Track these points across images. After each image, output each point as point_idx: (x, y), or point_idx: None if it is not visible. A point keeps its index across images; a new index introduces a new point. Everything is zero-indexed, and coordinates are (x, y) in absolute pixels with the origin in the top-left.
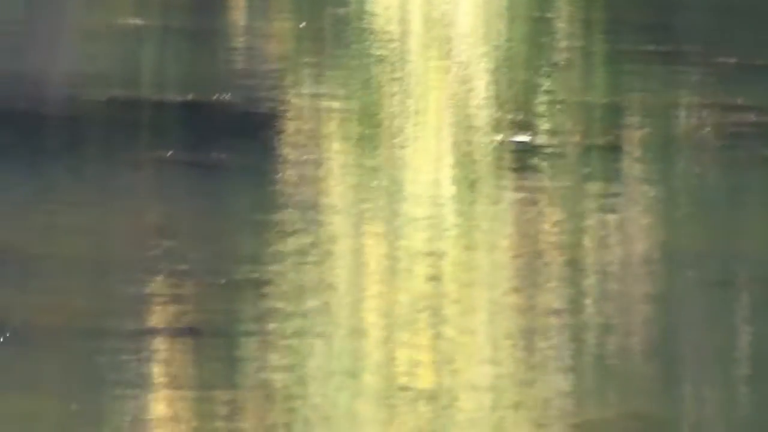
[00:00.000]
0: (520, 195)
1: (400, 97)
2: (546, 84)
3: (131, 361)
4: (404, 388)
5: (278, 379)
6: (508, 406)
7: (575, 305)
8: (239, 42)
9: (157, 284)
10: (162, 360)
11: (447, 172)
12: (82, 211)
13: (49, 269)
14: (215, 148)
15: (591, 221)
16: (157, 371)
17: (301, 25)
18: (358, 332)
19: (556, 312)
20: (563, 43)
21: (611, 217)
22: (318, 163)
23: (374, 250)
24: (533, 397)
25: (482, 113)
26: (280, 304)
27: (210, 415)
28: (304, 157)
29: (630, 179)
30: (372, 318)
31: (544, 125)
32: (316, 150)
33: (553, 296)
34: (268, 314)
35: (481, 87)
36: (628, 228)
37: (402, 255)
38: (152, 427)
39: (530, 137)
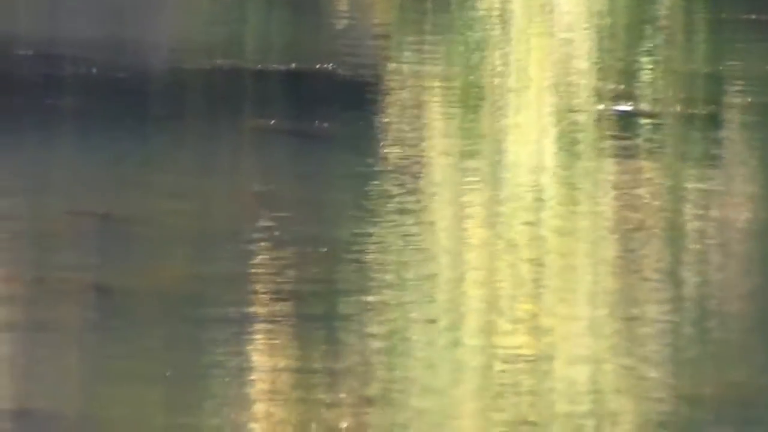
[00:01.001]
0: (622, 163)
1: (502, 65)
2: (648, 53)
3: (232, 328)
4: (506, 360)
5: (379, 347)
6: (608, 372)
7: (676, 272)
8: (343, 10)
9: (259, 252)
10: (262, 327)
11: (549, 141)
12: (185, 179)
13: (151, 236)
14: (318, 117)
15: (692, 190)
16: (258, 338)
17: None
18: (458, 301)
19: (657, 279)
20: (665, 12)
21: (712, 186)
22: (420, 132)
23: (476, 219)
24: (633, 365)
25: (584, 82)
26: (381, 273)
27: (309, 383)
28: (406, 125)
29: (731, 148)
30: (473, 288)
31: (646, 94)
32: (418, 118)
33: (654, 263)
34: (370, 283)
35: (583, 55)
36: (729, 196)
37: (503, 223)
38: (252, 393)
39: (632, 106)
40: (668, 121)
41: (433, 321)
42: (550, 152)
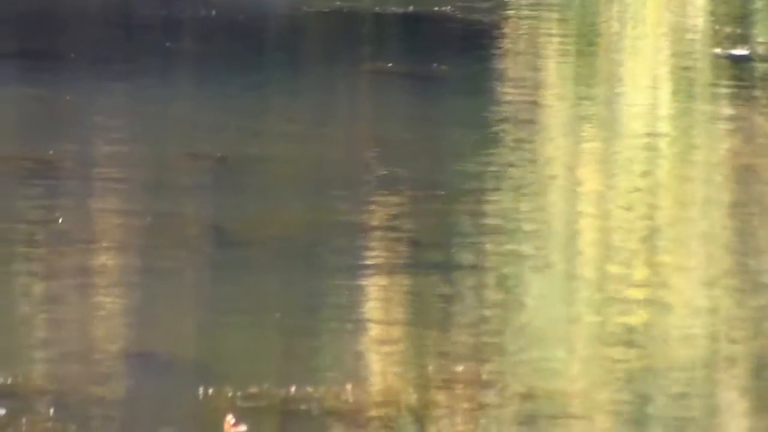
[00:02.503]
0: (736, 107)
1: (617, 9)
2: None
3: (347, 274)
4: (621, 307)
5: (491, 290)
6: (723, 320)
7: None
8: None
9: (374, 195)
10: (379, 269)
11: (664, 85)
12: (301, 123)
13: (267, 180)
14: (434, 60)
15: None
16: (374, 282)
17: None
18: (572, 250)
19: None
20: None
21: None
22: (535, 75)
23: (590, 165)
24: (745, 312)
25: (700, 26)
26: (496, 218)
27: (424, 323)
28: (522, 69)
29: None
30: (587, 235)
31: (762, 39)
32: (533, 62)
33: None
34: (485, 227)
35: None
36: None
37: (618, 168)
38: (366, 341)
39: (747, 50)
40: None
41: (548, 268)
42: (665, 97)
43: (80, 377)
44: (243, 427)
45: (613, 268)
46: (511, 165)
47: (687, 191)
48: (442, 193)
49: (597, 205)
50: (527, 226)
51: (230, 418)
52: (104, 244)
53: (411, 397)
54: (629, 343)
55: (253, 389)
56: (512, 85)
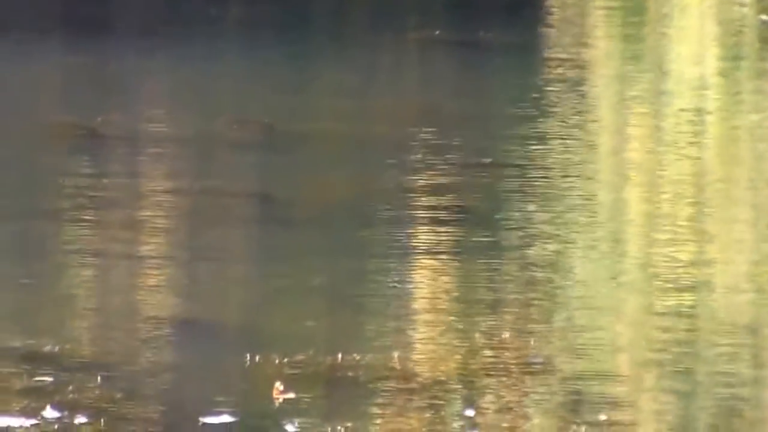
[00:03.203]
0: None
1: None
2: None
3: (393, 243)
4: (667, 283)
5: (539, 259)
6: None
7: None
8: None
9: (422, 164)
10: (426, 239)
11: (711, 50)
12: (347, 90)
13: (313, 149)
14: (482, 28)
15: None
16: (421, 251)
17: None
18: (620, 220)
19: None
20: None
21: None
22: (583, 42)
23: (638, 130)
24: None
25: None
26: (543, 188)
27: (471, 292)
28: (569, 36)
29: None
30: (635, 206)
31: None
32: (581, 29)
33: None
34: (532, 196)
35: None
36: None
37: (666, 134)
38: (415, 308)
39: None
40: None
41: (595, 242)
42: (712, 62)
43: (127, 345)
44: (291, 394)
45: (662, 241)
46: (558, 134)
47: (734, 164)
48: (489, 161)
49: (645, 175)
50: (574, 195)
51: (279, 385)
52: (150, 213)
53: (457, 366)
54: (678, 319)
55: (300, 356)
56: (559, 51)
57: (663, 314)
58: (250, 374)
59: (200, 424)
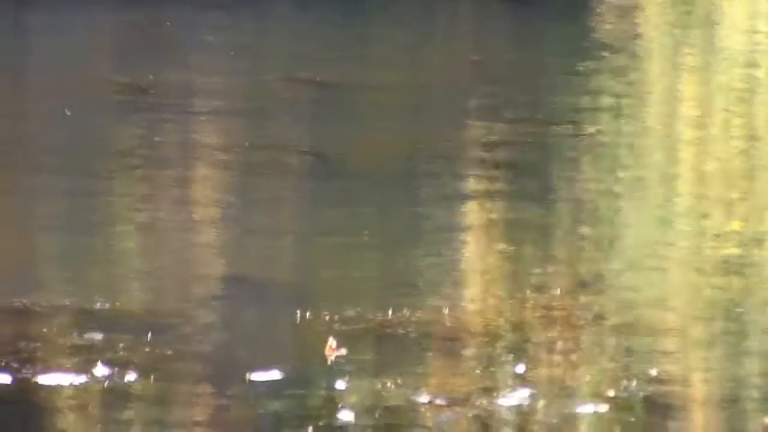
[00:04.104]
0: None
1: None
2: None
3: (444, 201)
4: (716, 240)
5: (589, 215)
6: None
7: None
8: None
9: (474, 121)
10: (477, 195)
11: (764, 13)
12: (401, 47)
13: (366, 105)
14: None
15: None
16: (472, 207)
17: None
18: (672, 167)
19: None
20: None
21: None
22: (636, 2)
23: (689, 92)
24: None
25: None
26: (594, 144)
27: (521, 248)
28: None
29: None
30: (685, 163)
31: None
32: None
33: None
34: (584, 149)
35: None
36: None
37: (717, 94)
38: (465, 264)
39: None
40: None
41: (646, 196)
42: (764, 14)
43: (177, 303)
44: (343, 351)
45: (712, 196)
46: (610, 91)
47: None
48: (541, 117)
49: (696, 132)
50: (626, 150)
51: (332, 342)
52: (202, 171)
53: (508, 322)
54: (727, 273)
55: (350, 313)
56: (612, 9)
57: (715, 267)
58: (300, 331)
59: (249, 380)
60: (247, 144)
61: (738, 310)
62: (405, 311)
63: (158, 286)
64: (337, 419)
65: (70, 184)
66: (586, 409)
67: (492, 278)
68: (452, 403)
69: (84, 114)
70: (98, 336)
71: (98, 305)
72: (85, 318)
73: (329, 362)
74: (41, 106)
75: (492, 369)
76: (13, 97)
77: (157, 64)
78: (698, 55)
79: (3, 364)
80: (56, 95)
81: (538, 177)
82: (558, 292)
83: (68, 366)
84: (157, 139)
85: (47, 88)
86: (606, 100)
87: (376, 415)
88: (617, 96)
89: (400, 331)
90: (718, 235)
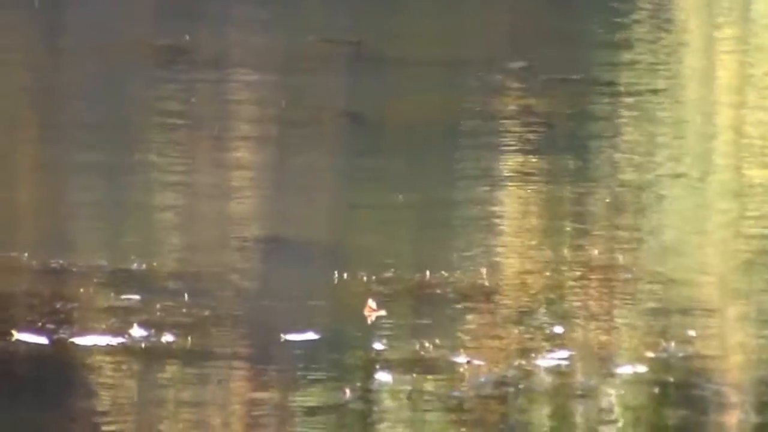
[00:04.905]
0: None
1: None
2: None
3: (482, 161)
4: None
5: (626, 174)
6: None
7: None
8: None
9: (510, 82)
10: (513, 151)
11: None
12: (437, 9)
13: (402, 69)
14: None
15: None
16: (508, 168)
17: None
18: (710, 136)
19: None
20: None
21: None
22: None
23: (728, 52)
24: None
25: None
26: (630, 107)
27: (558, 208)
28: None
29: None
30: (725, 116)
31: None
32: None
33: None
34: (623, 114)
35: None
36: None
37: (757, 57)
38: (503, 225)
39: None
40: None
41: (684, 165)
42: None
43: (214, 263)
44: (382, 312)
45: (752, 166)
46: (647, 52)
47: None
48: (576, 77)
49: (734, 98)
50: (664, 117)
51: (371, 303)
52: (238, 132)
53: (546, 283)
54: (765, 237)
55: (388, 274)
56: None
57: (750, 228)
58: (338, 292)
59: (284, 341)
60: (283, 103)
61: None
62: (443, 272)
63: (195, 246)
64: (374, 380)
65: (108, 145)
66: (624, 370)
67: (529, 240)
68: (490, 363)
69: (119, 75)
70: (135, 297)
71: (135, 266)
72: (123, 279)
73: (369, 323)
74: (80, 70)
75: (530, 329)
76: (52, 59)
77: (192, 25)
78: (736, 19)
79: (40, 325)
80: (91, 57)
81: (575, 136)
82: (596, 254)
83: (105, 327)
84: (193, 100)
85: (85, 52)
86: (642, 63)
87: (414, 376)
88: (654, 61)
89: (438, 291)
90: (757, 205)
